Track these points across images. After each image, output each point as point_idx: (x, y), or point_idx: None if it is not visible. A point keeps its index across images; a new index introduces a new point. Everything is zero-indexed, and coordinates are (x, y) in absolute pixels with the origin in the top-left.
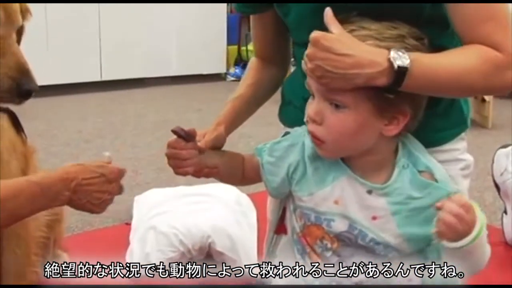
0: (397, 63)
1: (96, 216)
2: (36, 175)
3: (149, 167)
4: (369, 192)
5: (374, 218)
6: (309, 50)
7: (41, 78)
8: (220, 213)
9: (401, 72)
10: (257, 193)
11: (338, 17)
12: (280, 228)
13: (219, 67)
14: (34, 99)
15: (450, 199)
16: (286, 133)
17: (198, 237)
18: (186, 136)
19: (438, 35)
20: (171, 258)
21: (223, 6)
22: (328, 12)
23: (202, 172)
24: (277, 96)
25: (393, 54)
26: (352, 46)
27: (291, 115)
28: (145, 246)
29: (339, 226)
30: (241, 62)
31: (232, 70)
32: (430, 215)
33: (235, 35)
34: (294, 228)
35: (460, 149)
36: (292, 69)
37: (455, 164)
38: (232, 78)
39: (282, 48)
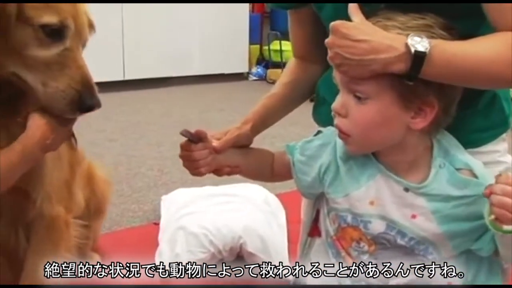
0: (415, 48)
1: (124, 215)
2: (18, 142)
3: (174, 167)
4: (406, 190)
5: (413, 216)
6: (329, 39)
7: None
8: (251, 214)
9: (419, 57)
10: (285, 193)
11: (365, 9)
12: (314, 230)
13: (241, 67)
14: None
15: (496, 182)
16: (319, 132)
17: (229, 238)
18: (194, 138)
19: (477, 27)
20: (201, 259)
21: (245, 6)
22: (352, 4)
23: (223, 171)
24: None
25: (411, 39)
26: (369, 32)
27: (326, 115)
28: (175, 247)
29: (377, 227)
30: (263, 61)
31: (254, 70)
32: (475, 211)
33: (257, 34)
34: (328, 231)
35: (500, 151)
36: None
37: (495, 167)
38: (254, 78)
39: (320, 45)
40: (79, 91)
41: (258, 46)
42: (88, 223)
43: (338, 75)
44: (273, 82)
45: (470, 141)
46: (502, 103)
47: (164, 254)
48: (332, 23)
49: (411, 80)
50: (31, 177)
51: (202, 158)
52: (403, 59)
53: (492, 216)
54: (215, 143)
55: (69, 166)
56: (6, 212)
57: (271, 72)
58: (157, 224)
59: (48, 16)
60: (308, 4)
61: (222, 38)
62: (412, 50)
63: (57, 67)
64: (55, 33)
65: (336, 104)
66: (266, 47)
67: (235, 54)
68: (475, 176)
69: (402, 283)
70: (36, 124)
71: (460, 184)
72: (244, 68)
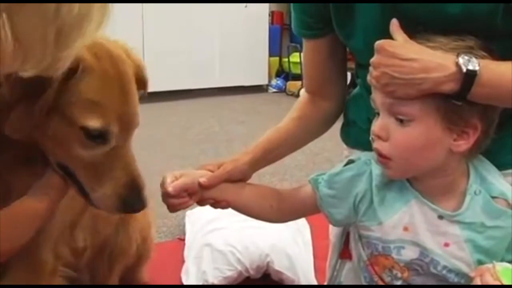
0: (466, 67)
1: None
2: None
3: None
4: (440, 217)
5: (446, 244)
6: (374, 58)
7: None
8: (277, 231)
9: (470, 76)
10: None
11: (404, 32)
12: (345, 253)
13: (261, 79)
14: None
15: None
16: (349, 162)
17: (256, 256)
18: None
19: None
20: (228, 276)
21: (265, 18)
22: (394, 21)
23: (206, 202)
24: None
25: (461, 58)
26: (417, 51)
27: (355, 136)
28: (201, 264)
29: (410, 253)
30: (282, 73)
31: (273, 82)
32: (507, 244)
33: (276, 46)
34: (361, 256)
35: None
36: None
37: None
38: (274, 90)
39: (335, 80)
40: (123, 195)
41: (277, 58)
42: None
43: (379, 97)
44: (293, 94)
45: (505, 163)
46: None
47: (191, 272)
48: (377, 42)
49: (459, 100)
50: None
51: (176, 195)
52: (454, 79)
53: None
54: (202, 179)
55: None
56: None
57: (291, 84)
58: (182, 239)
59: (90, 120)
60: (331, 33)
61: (242, 50)
62: (464, 69)
63: (103, 169)
64: (98, 136)
65: (376, 127)
66: (285, 59)
67: (255, 66)
68: (510, 205)
69: None
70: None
71: (494, 213)
72: (263, 80)
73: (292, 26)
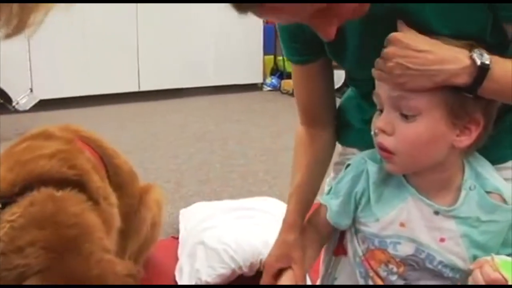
0: (481, 60)
1: None
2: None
3: (192, 179)
4: (436, 213)
5: (442, 240)
6: (388, 49)
7: (79, 89)
8: (270, 228)
9: (484, 69)
10: None
11: None
12: (339, 249)
13: (256, 77)
14: (73, 110)
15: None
16: (348, 166)
17: (249, 254)
18: None
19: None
20: (221, 274)
21: None
22: (401, 21)
23: None
24: None
25: (475, 52)
26: (432, 43)
27: (351, 137)
28: (195, 262)
29: (406, 249)
30: (277, 72)
31: (268, 80)
32: (502, 240)
33: (271, 45)
34: (356, 251)
35: None
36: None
37: None
38: (269, 88)
39: (330, 105)
40: None
41: (272, 57)
42: None
43: (385, 91)
44: (287, 93)
45: (498, 158)
46: None
47: (184, 270)
48: (391, 34)
49: (471, 93)
50: None
51: None
52: (467, 72)
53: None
54: None
55: None
56: None
57: (285, 83)
58: (176, 238)
59: None
60: (324, 54)
61: (236, 49)
62: (478, 62)
63: None
64: None
65: (380, 122)
66: (280, 58)
67: (250, 65)
68: (504, 200)
69: None
70: None
71: (489, 208)
72: (258, 79)
73: (284, 54)
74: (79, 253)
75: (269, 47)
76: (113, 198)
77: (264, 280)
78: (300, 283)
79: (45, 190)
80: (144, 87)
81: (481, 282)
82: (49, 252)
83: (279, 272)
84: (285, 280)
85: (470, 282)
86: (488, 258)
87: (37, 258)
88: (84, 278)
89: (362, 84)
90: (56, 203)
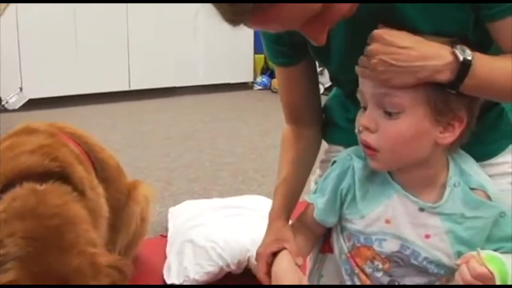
0: (464, 56)
1: None
2: None
3: (181, 178)
4: (421, 210)
5: (427, 236)
6: (371, 46)
7: (70, 88)
8: (258, 226)
9: (466, 65)
10: None
11: None
12: (325, 246)
13: (246, 76)
14: (63, 109)
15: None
16: (334, 163)
17: (237, 251)
18: None
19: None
20: (209, 272)
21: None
22: (381, 25)
23: None
24: None
25: (457, 48)
26: (415, 40)
27: (336, 135)
28: (183, 260)
29: (391, 246)
30: (267, 71)
31: (259, 79)
32: (486, 236)
33: (261, 44)
34: (342, 249)
35: (510, 162)
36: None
37: (504, 178)
38: (259, 87)
39: (315, 103)
40: None
41: (262, 56)
42: None
43: (369, 88)
44: (277, 92)
45: (482, 155)
46: (509, 115)
47: (173, 267)
48: (374, 31)
49: (454, 89)
50: None
51: None
52: (450, 68)
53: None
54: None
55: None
56: None
57: (276, 82)
58: (164, 236)
59: None
60: (307, 54)
61: (227, 48)
62: (461, 58)
63: None
64: None
65: (364, 119)
66: None
67: (240, 64)
68: (488, 197)
69: None
70: None
71: (473, 204)
72: (249, 78)
73: (266, 56)
74: (59, 243)
75: (259, 46)
76: (100, 189)
77: (259, 268)
78: (295, 259)
79: (28, 185)
80: (135, 86)
81: (468, 277)
82: (28, 240)
83: (273, 258)
84: (280, 257)
85: (457, 277)
86: (474, 253)
87: (15, 247)
88: (61, 267)
89: (346, 83)
90: (38, 196)
